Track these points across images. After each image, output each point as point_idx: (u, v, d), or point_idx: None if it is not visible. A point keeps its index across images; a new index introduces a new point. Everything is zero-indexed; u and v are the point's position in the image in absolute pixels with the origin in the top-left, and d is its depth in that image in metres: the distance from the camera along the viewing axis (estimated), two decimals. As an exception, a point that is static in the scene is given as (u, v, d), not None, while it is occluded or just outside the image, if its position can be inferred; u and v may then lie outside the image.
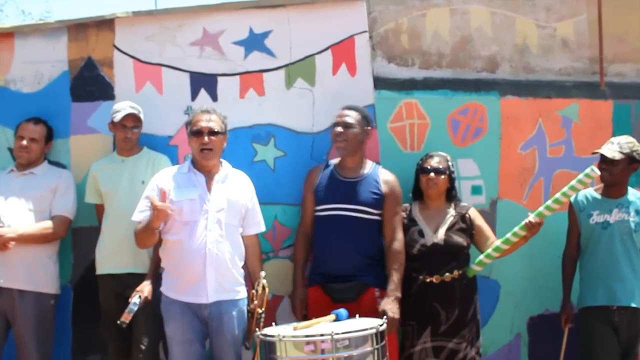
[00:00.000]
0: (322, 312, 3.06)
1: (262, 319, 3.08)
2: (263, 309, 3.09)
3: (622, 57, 4.09)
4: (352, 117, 3.46)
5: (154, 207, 3.00)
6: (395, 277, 3.33)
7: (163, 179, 3.24)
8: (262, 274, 3.16)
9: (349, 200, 3.42)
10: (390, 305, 3.25)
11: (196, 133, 3.19)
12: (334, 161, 3.57)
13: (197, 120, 3.23)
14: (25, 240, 3.45)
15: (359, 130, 3.45)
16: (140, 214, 3.17)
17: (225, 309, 3.15)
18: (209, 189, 3.20)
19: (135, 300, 3.22)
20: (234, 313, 3.17)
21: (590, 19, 4.05)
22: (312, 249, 3.54)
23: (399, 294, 3.31)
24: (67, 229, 3.60)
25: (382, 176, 3.50)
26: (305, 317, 3.37)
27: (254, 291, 3.13)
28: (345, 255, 3.36)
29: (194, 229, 3.13)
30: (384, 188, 3.46)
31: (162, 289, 3.25)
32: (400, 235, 3.44)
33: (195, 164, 3.27)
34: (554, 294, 3.77)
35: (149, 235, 3.13)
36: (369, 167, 3.53)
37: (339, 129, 3.43)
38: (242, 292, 3.24)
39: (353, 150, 3.47)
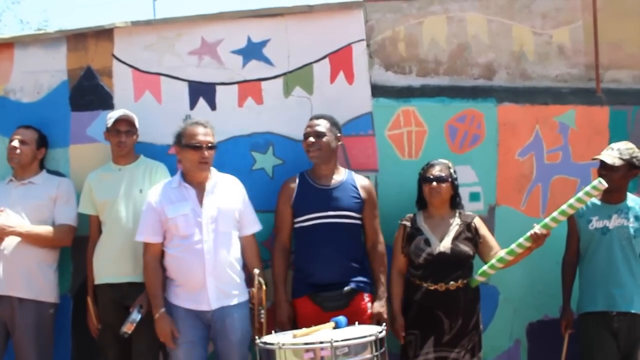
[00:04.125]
0: (314, 323, 3.05)
1: (263, 315, 3.16)
2: (262, 306, 3.16)
3: (617, 64, 4.11)
4: (322, 125, 3.48)
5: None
6: (383, 279, 3.45)
7: (156, 197, 3.32)
8: (256, 271, 3.24)
9: (331, 207, 3.42)
10: (384, 308, 3.39)
11: (195, 147, 3.25)
12: (307, 172, 3.57)
13: (193, 133, 3.28)
14: (32, 239, 3.46)
15: (330, 138, 3.48)
16: (141, 236, 3.29)
17: (228, 312, 3.25)
18: (200, 202, 3.29)
19: (137, 310, 3.27)
20: (236, 315, 3.25)
21: (585, 25, 4.07)
22: (290, 263, 3.54)
23: (386, 294, 3.43)
24: (73, 237, 3.61)
25: (358, 182, 3.53)
26: (295, 327, 3.35)
27: (252, 289, 3.21)
28: (334, 262, 3.37)
29: (190, 241, 3.23)
30: (362, 193, 3.49)
31: (167, 295, 3.30)
32: (382, 237, 3.51)
33: (184, 177, 3.34)
34: (553, 300, 3.77)
35: None
36: (343, 173, 3.55)
37: (311, 139, 3.45)
38: (244, 295, 3.32)
39: (327, 158, 3.48)
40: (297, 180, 3.54)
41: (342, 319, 3.05)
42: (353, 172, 3.60)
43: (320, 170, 3.51)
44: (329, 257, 3.37)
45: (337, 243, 3.39)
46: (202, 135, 3.27)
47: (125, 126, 3.55)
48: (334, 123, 3.53)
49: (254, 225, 3.46)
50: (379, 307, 3.39)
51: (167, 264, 3.31)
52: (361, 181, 3.55)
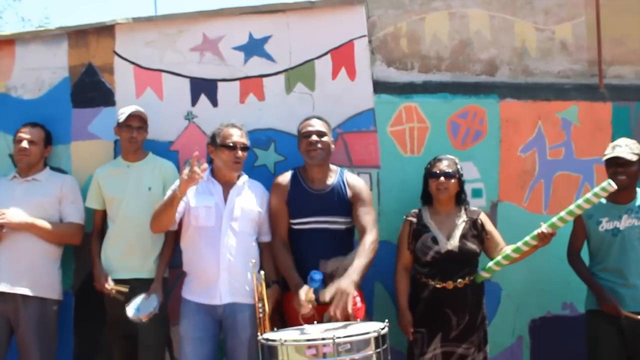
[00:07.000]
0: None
1: (261, 311, 3.08)
2: (262, 301, 3.11)
3: (620, 59, 4.10)
4: (322, 125, 3.44)
5: (189, 170, 3.07)
6: (358, 264, 3.14)
7: None
8: (253, 261, 3.19)
9: (322, 212, 3.37)
10: (346, 286, 3.02)
11: (230, 147, 3.35)
12: (299, 171, 3.49)
13: (229, 134, 3.37)
14: (38, 231, 3.47)
15: (330, 138, 3.45)
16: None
17: (240, 308, 3.27)
18: (225, 199, 3.36)
19: (155, 299, 3.34)
20: (248, 313, 3.26)
21: (588, 21, 4.06)
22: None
23: (355, 278, 3.08)
24: (82, 236, 3.61)
25: (348, 181, 3.46)
26: (283, 322, 3.34)
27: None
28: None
29: (209, 234, 3.30)
30: (349, 193, 3.42)
31: (182, 291, 3.38)
32: (374, 235, 3.29)
33: (214, 173, 3.40)
34: (555, 297, 3.78)
35: (168, 210, 3.18)
36: (335, 174, 3.48)
37: (315, 137, 3.38)
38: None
39: (325, 159, 3.42)
40: (290, 180, 3.46)
41: (315, 276, 3.04)
42: (345, 171, 3.52)
43: (313, 173, 3.44)
44: (318, 260, 3.26)
45: (327, 249, 3.30)
46: (237, 136, 3.38)
47: (137, 122, 3.55)
48: (329, 125, 3.50)
49: (270, 235, 3.47)
50: (344, 284, 3.01)
51: (184, 255, 3.40)
52: (351, 180, 3.47)
